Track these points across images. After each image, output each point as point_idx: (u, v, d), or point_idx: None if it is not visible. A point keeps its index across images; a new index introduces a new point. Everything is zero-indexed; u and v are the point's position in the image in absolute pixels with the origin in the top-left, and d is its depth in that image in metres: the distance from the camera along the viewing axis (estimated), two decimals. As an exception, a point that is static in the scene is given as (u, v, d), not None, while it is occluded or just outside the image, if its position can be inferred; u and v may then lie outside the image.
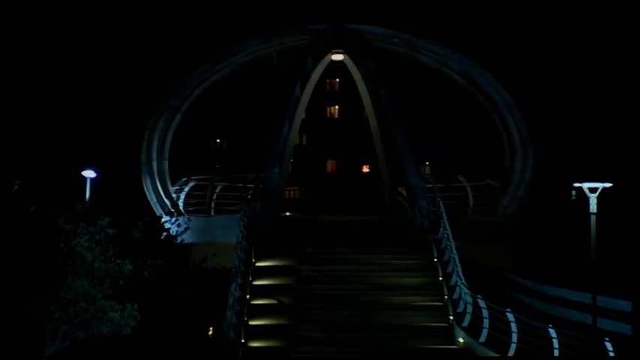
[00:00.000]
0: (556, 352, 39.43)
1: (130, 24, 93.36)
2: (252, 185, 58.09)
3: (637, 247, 37.44)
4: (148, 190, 60.90)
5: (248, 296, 46.18)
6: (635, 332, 32.02)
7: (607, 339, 38.01)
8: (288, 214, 69.43)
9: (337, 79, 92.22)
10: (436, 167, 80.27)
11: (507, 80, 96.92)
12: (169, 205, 60.07)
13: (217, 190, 60.14)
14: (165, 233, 47.71)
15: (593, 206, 39.33)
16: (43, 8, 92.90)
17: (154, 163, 61.39)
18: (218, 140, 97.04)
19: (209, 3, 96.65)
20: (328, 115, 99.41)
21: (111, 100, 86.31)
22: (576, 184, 40.70)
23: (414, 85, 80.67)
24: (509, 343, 41.40)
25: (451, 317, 45.35)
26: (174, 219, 56.43)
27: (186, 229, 53.01)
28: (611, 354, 37.29)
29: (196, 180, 61.57)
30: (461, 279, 46.56)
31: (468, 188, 59.52)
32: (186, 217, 57.61)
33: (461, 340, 43.87)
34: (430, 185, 58.25)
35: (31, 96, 75.65)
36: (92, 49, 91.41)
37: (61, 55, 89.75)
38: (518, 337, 41.19)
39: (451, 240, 49.70)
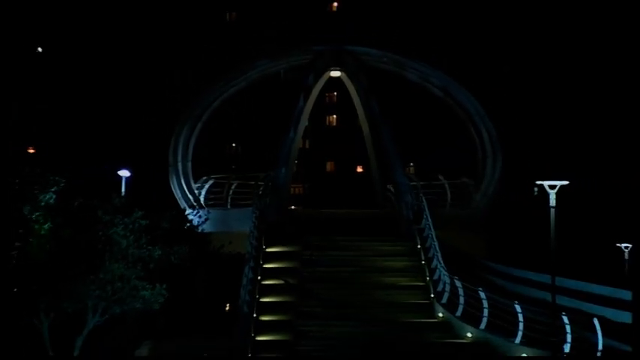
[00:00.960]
0: (520, 326, 39.27)
1: (158, 47, 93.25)
2: (263, 183, 57.82)
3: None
4: (174, 187, 60.81)
5: (259, 277, 46.05)
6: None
7: (564, 313, 37.95)
8: (293, 207, 69.33)
9: (335, 93, 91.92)
10: (419, 167, 79.86)
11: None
12: (192, 200, 59.93)
13: (233, 187, 59.98)
14: (188, 224, 47.64)
15: (552, 201, 39.18)
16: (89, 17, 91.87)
17: (179, 165, 61.29)
18: (234, 144, 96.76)
19: (227, 27, 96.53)
20: (327, 124, 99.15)
21: (143, 110, 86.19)
22: (538, 182, 40.57)
23: (400, 98, 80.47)
24: (481, 317, 41.38)
25: (432, 295, 45.28)
26: (196, 211, 56.28)
27: (206, 220, 52.85)
28: (567, 326, 37.20)
29: (215, 178, 61.40)
30: (440, 263, 46.48)
31: (447, 186, 59.33)
32: (206, 209, 57.42)
33: (440, 314, 43.74)
34: (414, 183, 57.96)
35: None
36: (126, 67, 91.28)
37: (96, 70, 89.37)
38: (489, 312, 41.14)
39: (432, 229, 49.59)
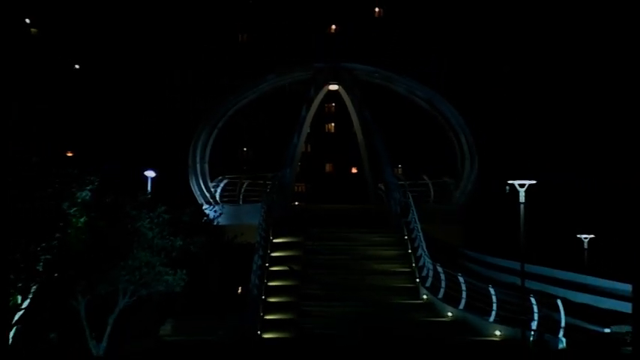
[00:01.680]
0: (494, 306, 39.40)
1: (180, 63, 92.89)
2: (270, 182, 57.87)
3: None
4: (193, 186, 60.68)
5: (267, 264, 46.16)
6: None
7: (531, 295, 38.09)
8: (297, 203, 69.31)
9: (333, 104, 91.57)
10: (406, 168, 79.61)
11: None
12: (208, 197, 59.82)
13: (244, 186, 59.83)
14: (205, 218, 47.35)
15: (522, 197, 39.33)
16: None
17: (198, 166, 61.16)
18: (245, 149, 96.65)
19: (239, 47, 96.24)
20: (326, 131, 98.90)
21: (167, 118, 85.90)
22: (509, 181, 40.68)
23: (390, 109, 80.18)
24: (460, 298, 41.53)
25: (417, 280, 45.39)
26: (212, 207, 56.10)
27: (220, 214, 52.49)
28: (535, 306, 37.25)
29: (229, 178, 61.23)
30: (424, 251, 46.52)
31: (430, 184, 59.22)
32: (220, 205, 57.30)
33: (424, 296, 43.88)
34: (402, 182, 58.07)
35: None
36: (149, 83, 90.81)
37: (127, 84, 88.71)
38: (467, 294, 41.26)
39: (417, 222, 49.53)
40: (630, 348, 30.76)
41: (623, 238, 63.59)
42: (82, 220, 27.78)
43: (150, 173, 52.45)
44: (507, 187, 42.25)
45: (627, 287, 44.10)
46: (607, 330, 37.03)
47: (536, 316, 36.92)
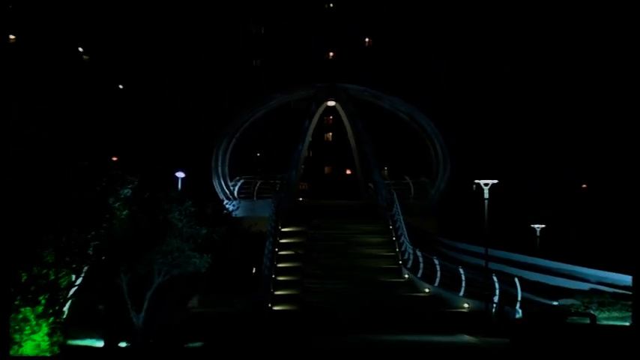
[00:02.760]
0: (463, 283, 39.52)
1: (201, 81, 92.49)
2: (279, 182, 58.04)
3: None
4: (215, 184, 60.67)
5: (276, 249, 46.21)
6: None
7: (494, 274, 38.21)
8: (301, 199, 69.21)
9: (331, 117, 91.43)
10: (391, 170, 79.27)
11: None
12: (228, 194, 59.88)
13: (258, 185, 59.86)
14: (225, 211, 47.22)
15: (486, 194, 39.46)
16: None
17: (219, 169, 61.18)
18: (258, 154, 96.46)
19: (253, 70, 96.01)
20: (325, 139, 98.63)
21: (193, 128, 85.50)
22: (476, 181, 40.79)
23: (378, 121, 79.65)
24: (436, 277, 41.66)
25: (400, 262, 45.49)
26: (231, 202, 56.31)
27: (238, 208, 52.73)
28: (496, 284, 37.33)
29: (245, 178, 61.27)
30: (406, 238, 46.59)
31: (410, 183, 59.15)
32: (238, 200, 57.46)
33: (406, 275, 43.97)
34: (387, 181, 58.24)
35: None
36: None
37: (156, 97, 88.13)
38: (441, 274, 41.38)
39: (400, 215, 49.58)
40: (575, 317, 30.75)
41: (574, 228, 63.54)
42: (124, 212, 27.73)
43: (180, 174, 52.66)
44: (474, 186, 42.29)
45: (571, 267, 44.37)
46: (555, 303, 37.21)
47: (497, 292, 37.04)
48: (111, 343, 27.96)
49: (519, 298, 36.04)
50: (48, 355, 21.56)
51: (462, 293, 39.37)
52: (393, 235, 48.82)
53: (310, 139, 63.36)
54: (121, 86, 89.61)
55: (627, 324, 27.69)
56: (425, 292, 41.62)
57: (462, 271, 40.02)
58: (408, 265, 44.56)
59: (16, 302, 21.66)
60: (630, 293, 34.94)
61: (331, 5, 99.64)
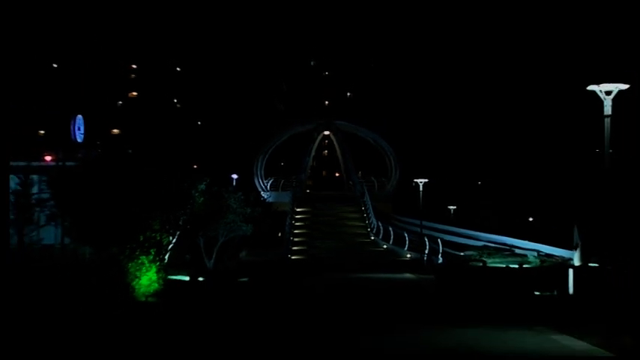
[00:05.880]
0: (407, 242, 39.44)
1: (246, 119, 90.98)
2: (295, 180, 58.38)
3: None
4: (255, 182, 60.71)
5: (293, 222, 46.38)
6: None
7: (425, 237, 38.31)
8: (308, 191, 69.32)
9: (326, 140, 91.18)
10: (363, 173, 78.67)
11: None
12: (263, 187, 60.04)
13: (282, 182, 60.27)
14: (262, 198, 46.86)
15: (421, 187, 39.83)
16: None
17: (258, 172, 61.44)
18: (282, 163, 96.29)
19: (278, 113, 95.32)
20: (323, 154, 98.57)
21: (242, 146, 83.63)
22: (415, 179, 41.15)
23: (357, 144, 78.17)
24: (390, 238, 41.70)
25: (368, 230, 45.74)
26: (265, 192, 56.53)
27: (269, 196, 52.93)
28: (427, 242, 37.10)
29: (273, 178, 61.66)
30: (373, 215, 46.81)
31: (375, 181, 59.70)
32: (269, 192, 57.70)
33: (372, 238, 44.12)
34: (361, 180, 58.49)
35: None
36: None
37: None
38: (393, 237, 41.28)
39: (369, 201, 49.61)
40: (473, 262, 30.90)
41: (473, 209, 62.00)
42: (200, 199, 27.31)
43: (234, 175, 53.05)
44: (414, 182, 42.50)
45: (471, 232, 44.30)
46: (461, 254, 37.50)
47: (427, 247, 37.07)
48: (193, 278, 28.28)
49: (440, 251, 36.07)
50: (156, 286, 21.89)
51: (406, 248, 39.51)
52: (364, 213, 49.17)
53: (314, 154, 63.85)
54: (199, 122, 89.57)
55: (503, 266, 27.94)
56: (383, 247, 41.81)
57: (406, 235, 40.34)
58: (374, 232, 44.93)
59: (136, 253, 22.02)
60: (504, 247, 35.37)
61: (327, 73, 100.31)
